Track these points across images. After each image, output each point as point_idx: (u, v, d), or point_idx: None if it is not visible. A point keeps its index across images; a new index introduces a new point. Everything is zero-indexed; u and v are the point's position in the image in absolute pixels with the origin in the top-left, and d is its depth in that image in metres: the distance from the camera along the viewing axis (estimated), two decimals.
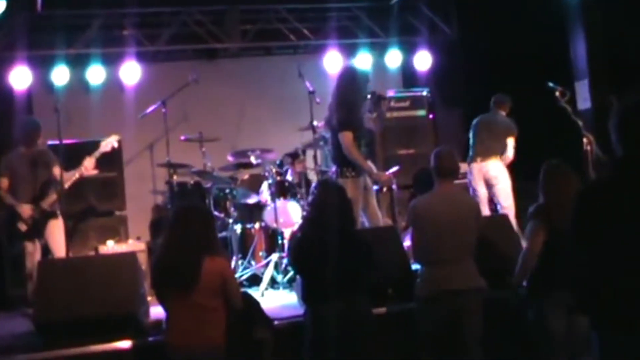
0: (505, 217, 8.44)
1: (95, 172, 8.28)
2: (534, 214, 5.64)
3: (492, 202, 9.83)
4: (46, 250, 8.12)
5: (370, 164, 8.14)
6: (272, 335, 5.82)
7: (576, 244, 3.88)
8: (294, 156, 9.63)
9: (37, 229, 7.95)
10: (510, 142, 9.76)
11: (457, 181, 9.81)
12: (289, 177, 9.27)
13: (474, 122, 10.08)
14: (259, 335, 5.74)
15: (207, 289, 5.29)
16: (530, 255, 5.61)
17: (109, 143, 8.34)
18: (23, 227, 7.90)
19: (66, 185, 7.97)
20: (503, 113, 10.03)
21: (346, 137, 7.85)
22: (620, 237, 3.64)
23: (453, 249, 5.80)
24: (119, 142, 9.69)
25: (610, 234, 3.66)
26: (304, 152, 9.80)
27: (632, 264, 3.61)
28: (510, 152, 9.71)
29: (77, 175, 8.10)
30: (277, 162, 9.46)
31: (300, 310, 6.19)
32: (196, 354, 5.30)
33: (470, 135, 10.01)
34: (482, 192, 9.71)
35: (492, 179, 9.70)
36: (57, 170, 8.03)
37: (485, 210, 9.37)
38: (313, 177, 9.57)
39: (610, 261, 3.66)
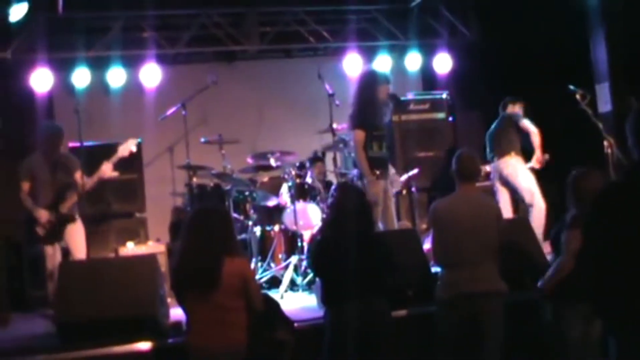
0: (525, 220, 8.40)
1: (114, 174, 8.28)
2: (571, 223, 5.50)
3: (515, 202, 9.79)
4: (66, 252, 8.14)
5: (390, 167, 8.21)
6: (293, 337, 5.82)
7: (587, 248, 3.84)
8: (315, 159, 9.63)
9: (55, 233, 7.96)
10: (525, 125, 9.66)
11: (480, 184, 9.95)
12: (308, 180, 9.27)
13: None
14: (280, 337, 5.74)
15: (227, 289, 5.29)
16: (567, 265, 5.45)
17: (127, 148, 8.30)
18: (41, 231, 7.92)
19: (87, 189, 7.99)
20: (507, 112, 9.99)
21: (356, 135, 7.92)
22: (633, 241, 3.60)
23: (473, 252, 5.78)
24: (139, 144, 9.74)
25: (623, 237, 3.63)
26: (323, 154, 9.80)
27: None
28: (535, 136, 9.62)
29: (95, 180, 8.11)
30: (297, 164, 9.46)
31: (319, 313, 6.19)
32: (218, 354, 5.30)
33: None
34: (502, 199, 9.64)
35: (506, 176, 9.64)
36: (78, 175, 8.06)
37: (508, 212, 9.33)
38: (333, 180, 9.57)
39: (624, 265, 3.63)
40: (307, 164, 9.53)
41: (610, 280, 3.67)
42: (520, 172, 9.59)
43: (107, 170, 8.14)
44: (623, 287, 3.62)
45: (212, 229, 5.43)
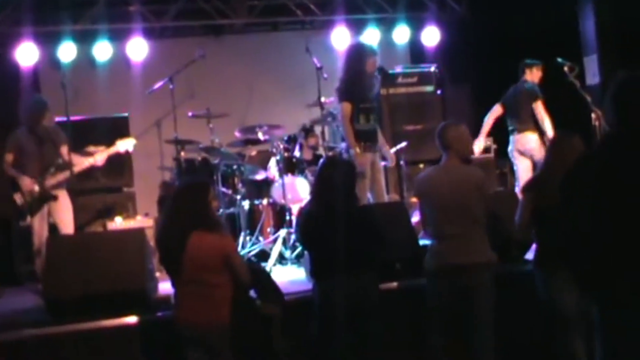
0: (511, 192, 8.40)
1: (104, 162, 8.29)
2: (524, 188, 5.74)
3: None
4: (54, 227, 8.13)
5: (381, 137, 8.21)
6: (281, 310, 5.83)
7: (565, 218, 3.84)
8: (308, 131, 9.61)
9: (38, 205, 7.94)
10: (538, 109, 9.60)
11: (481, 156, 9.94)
12: (296, 153, 9.25)
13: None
14: (267, 311, 5.76)
15: (207, 265, 5.31)
16: (520, 229, 5.72)
17: (126, 145, 8.34)
18: (19, 199, 7.89)
19: (76, 171, 7.97)
20: (528, 79, 9.90)
21: (343, 108, 7.91)
22: (607, 211, 3.61)
23: (457, 223, 5.74)
24: (127, 119, 9.74)
25: (597, 208, 3.63)
26: (311, 128, 9.79)
27: (623, 237, 3.57)
28: (546, 125, 9.56)
29: (87, 164, 8.10)
30: (285, 137, 9.43)
31: (308, 285, 6.20)
32: (201, 330, 5.35)
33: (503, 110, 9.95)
34: (520, 167, 9.62)
35: (527, 151, 9.61)
36: (64, 150, 8.04)
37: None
38: (322, 153, 9.56)
39: (599, 235, 3.63)
40: (302, 136, 9.50)
41: (587, 250, 3.68)
42: (541, 148, 9.54)
43: (99, 159, 8.14)
44: (600, 257, 3.63)
45: (180, 203, 5.50)
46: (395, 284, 6.69)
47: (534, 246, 5.96)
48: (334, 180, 5.75)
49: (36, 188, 7.89)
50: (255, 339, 5.64)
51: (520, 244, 6.88)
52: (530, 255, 6.34)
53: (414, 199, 7.16)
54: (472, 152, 6.86)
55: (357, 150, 7.86)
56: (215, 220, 5.70)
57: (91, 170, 8.82)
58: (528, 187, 5.73)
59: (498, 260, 5.85)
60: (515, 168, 9.73)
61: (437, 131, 6.00)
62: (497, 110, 9.86)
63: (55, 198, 7.99)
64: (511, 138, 9.76)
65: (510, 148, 9.82)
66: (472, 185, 5.80)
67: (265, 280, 5.91)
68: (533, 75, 9.87)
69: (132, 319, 6.23)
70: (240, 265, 5.55)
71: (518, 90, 9.78)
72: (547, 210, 5.33)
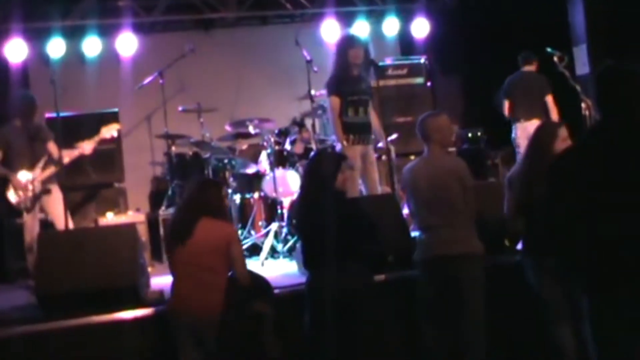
0: (497, 184, 8.41)
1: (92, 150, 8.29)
2: (509, 178, 5.78)
3: None
4: (45, 223, 8.13)
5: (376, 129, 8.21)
6: (272, 309, 5.87)
7: (550, 209, 3.85)
8: (301, 125, 9.63)
9: (33, 201, 7.94)
10: (550, 101, 9.63)
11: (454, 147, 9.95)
12: (287, 147, 9.25)
13: (505, 82, 10.01)
14: (258, 309, 5.81)
15: (207, 248, 5.55)
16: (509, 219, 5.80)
17: (110, 131, 8.34)
18: (14, 197, 7.89)
19: (65, 163, 7.96)
20: (532, 69, 9.93)
21: (331, 101, 7.95)
22: (592, 203, 3.62)
23: (439, 214, 5.75)
24: (116, 114, 9.72)
25: (582, 199, 3.65)
26: (302, 121, 9.79)
27: (607, 228, 3.59)
28: (555, 116, 9.56)
29: (75, 154, 8.11)
30: (276, 131, 9.43)
31: (300, 279, 6.22)
32: (195, 317, 5.50)
33: (504, 97, 9.95)
34: None
35: None
36: (52, 146, 8.07)
37: None
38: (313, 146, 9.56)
39: (590, 224, 3.65)
40: (296, 130, 9.51)
41: (573, 242, 3.70)
42: None
43: (87, 148, 8.14)
44: (588, 246, 3.65)
45: (196, 195, 5.83)
46: (384, 276, 6.68)
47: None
48: (319, 172, 5.77)
49: (29, 183, 7.89)
50: (243, 334, 5.71)
51: (512, 235, 6.89)
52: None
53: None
54: (452, 142, 6.85)
55: (345, 143, 7.87)
56: (225, 212, 6.13)
57: (82, 166, 8.83)
58: (513, 178, 5.74)
59: (487, 252, 5.86)
60: (519, 156, 9.72)
61: (418, 122, 6.00)
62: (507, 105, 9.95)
63: (49, 192, 8.00)
64: (517, 125, 9.80)
65: (513, 135, 9.86)
66: (453, 175, 5.80)
67: (256, 280, 5.96)
68: (532, 68, 9.92)
69: (124, 315, 6.22)
70: (240, 255, 5.78)
71: (531, 79, 9.82)
72: (533, 199, 5.32)
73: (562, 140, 5.50)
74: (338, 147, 7.94)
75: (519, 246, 5.88)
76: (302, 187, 6.16)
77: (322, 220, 5.53)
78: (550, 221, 3.82)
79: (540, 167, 4.90)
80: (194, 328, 5.54)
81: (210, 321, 5.48)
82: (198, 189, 5.91)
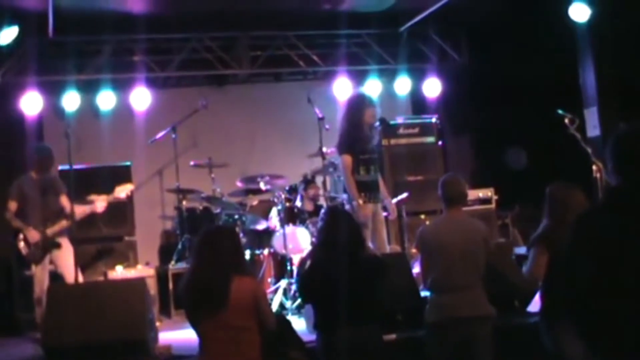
0: (507, 244, 8.40)
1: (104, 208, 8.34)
2: (534, 240, 5.66)
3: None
4: (54, 275, 8.13)
5: (382, 189, 8.23)
6: (306, 356, 5.80)
7: (569, 269, 3.83)
8: (308, 182, 9.65)
9: (38, 254, 7.96)
10: None
11: (466, 208, 9.92)
12: (298, 203, 9.27)
13: None
14: (294, 356, 5.72)
15: (239, 308, 5.24)
16: (531, 280, 5.67)
17: (124, 191, 8.40)
18: (25, 250, 7.92)
19: (77, 218, 8.00)
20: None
21: (343, 160, 7.95)
22: (612, 266, 3.61)
23: (462, 276, 5.77)
24: (129, 168, 9.77)
25: (602, 263, 3.63)
26: (313, 178, 9.82)
27: (621, 292, 3.57)
28: None
29: (87, 211, 8.17)
30: (286, 188, 9.46)
31: (309, 337, 6.16)
32: None
33: None
34: None
35: None
36: (64, 199, 8.12)
37: None
38: (324, 204, 9.58)
39: (601, 288, 3.63)
40: (302, 187, 9.52)
41: (590, 305, 3.67)
42: None
43: (100, 206, 8.19)
44: (604, 312, 3.62)
45: (220, 248, 5.39)
46: (394, 335, 6.65)
47: (536, 298, 5.94)
48: (336, 230, 5.75)
49: (42, 237, 7.92)
50: None
51: (522, 296, 6.86)
52: (532, 308, 6.31)
53: (415, 250, 7.16)
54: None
55: (360, 201, 7.89)
56: (247, 264, 5.93)
57: (93, 219, 8.85)
58: (539, 239, 5.71)
59: (499, 313, 5.85)
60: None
61: (443, 183, 6.04)
62: None
63: (59, 246, 8.02)
64: None
65: None
66: (480, 237, 5.86)
67: (287, 327, 5.88)
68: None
69: None
70: (268, 309, 5.55)
71: None
72: (555, 261, 5.32)
73: (581, 202, 5.49)
74: (347, 206, 7.95)
75: (530, 308, 5.85)
76: (317, 246, 6.09)
77: (340, 278, 5.48)
78: (571, 284, 3.80)
79: (565, 229, 4.90)
80: None
81: None
82: (221, 240, 5.43)
